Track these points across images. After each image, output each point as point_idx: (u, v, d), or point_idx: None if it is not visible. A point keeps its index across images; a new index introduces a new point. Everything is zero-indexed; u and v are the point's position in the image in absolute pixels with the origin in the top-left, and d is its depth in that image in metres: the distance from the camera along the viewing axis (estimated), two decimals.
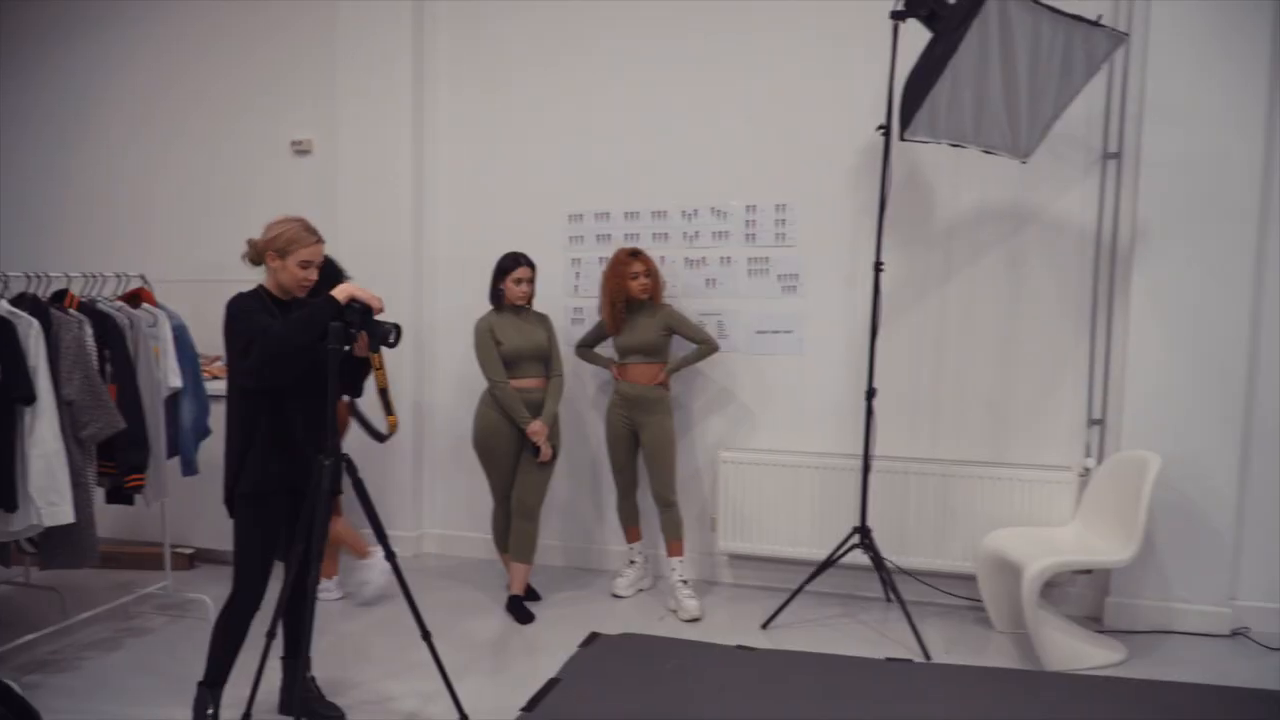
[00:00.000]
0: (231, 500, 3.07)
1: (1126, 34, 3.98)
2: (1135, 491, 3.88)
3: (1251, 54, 4.00)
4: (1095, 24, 3.74)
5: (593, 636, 4.09)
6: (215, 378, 4.70)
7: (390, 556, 3.12)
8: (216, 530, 4.38)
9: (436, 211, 5.27)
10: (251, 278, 3.17)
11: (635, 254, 4.44)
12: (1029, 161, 4.00)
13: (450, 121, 5.23)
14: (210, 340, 4.04)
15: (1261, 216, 4.08)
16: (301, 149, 5.41)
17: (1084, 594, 4.40)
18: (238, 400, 3.04)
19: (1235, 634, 4.16)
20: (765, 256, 4.69)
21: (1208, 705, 3.51)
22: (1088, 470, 4.32)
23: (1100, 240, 4.31)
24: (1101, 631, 4.18)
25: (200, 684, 3.18)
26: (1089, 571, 4.30)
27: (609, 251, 4.63)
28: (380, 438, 3.79)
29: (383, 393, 3.59)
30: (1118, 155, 4.26)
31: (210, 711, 3.14)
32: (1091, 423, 4.36)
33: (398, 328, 3.02)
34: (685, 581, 4.44)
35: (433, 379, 5.32)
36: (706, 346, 4.46)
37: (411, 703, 3.50)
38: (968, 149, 3.92)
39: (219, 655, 3.14)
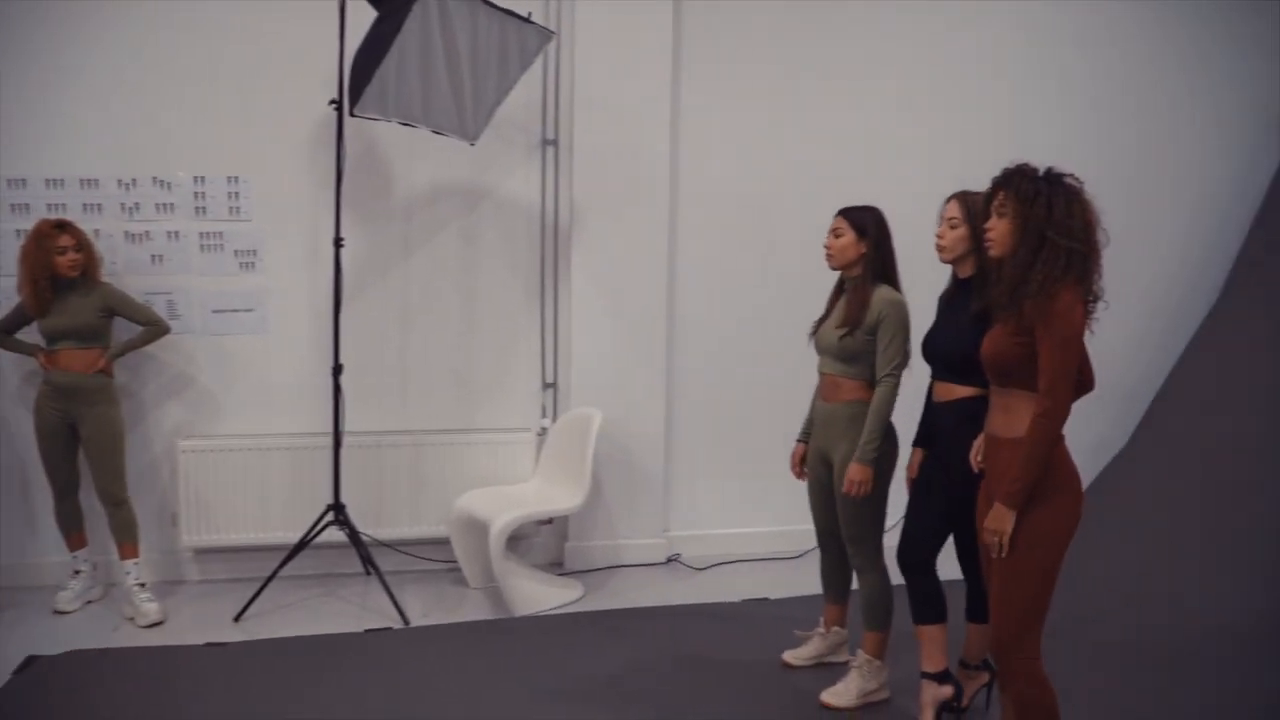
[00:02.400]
0: None
1: (554, 31, 4.38)
2: (583, 445, 4.33)
3: (658, 56, 4.64)
4: (526, 20, 4.08)
5: (29, 661, 3.58)
6: None
7: None
8: None
9: None
10: None
11: (62, 226, 3.93)
12: (477, 144, 4.24)
13: None
14: None
15: (671, 199, 4.77)
16: None
17: (547, 542, 4.82)
18: None
19: (670, 561, 4.85)
20: (219, 231, 4.42)
21: (644, 622, 4.05)
22: (544, 429, 4.72)
23: (544, 219, 4.71)
24: (562, 574, 4.62)
25: None
26: (550, 521, 4.71)
27: (28, 224, 4.05)
28: None
29: None
30: (554, 142, 4.69)
31: None
32: (545, 386, 4.78)
33: None
34: (143, 585, 4.07)
35: None
36: (155, 328, 4.10)
37: None
38: (419, 129, 4.05)
39: None
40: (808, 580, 4.45)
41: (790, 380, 4.83)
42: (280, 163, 4.45)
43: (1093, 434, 4.38)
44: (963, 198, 3.02)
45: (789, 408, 4.80)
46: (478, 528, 4.30)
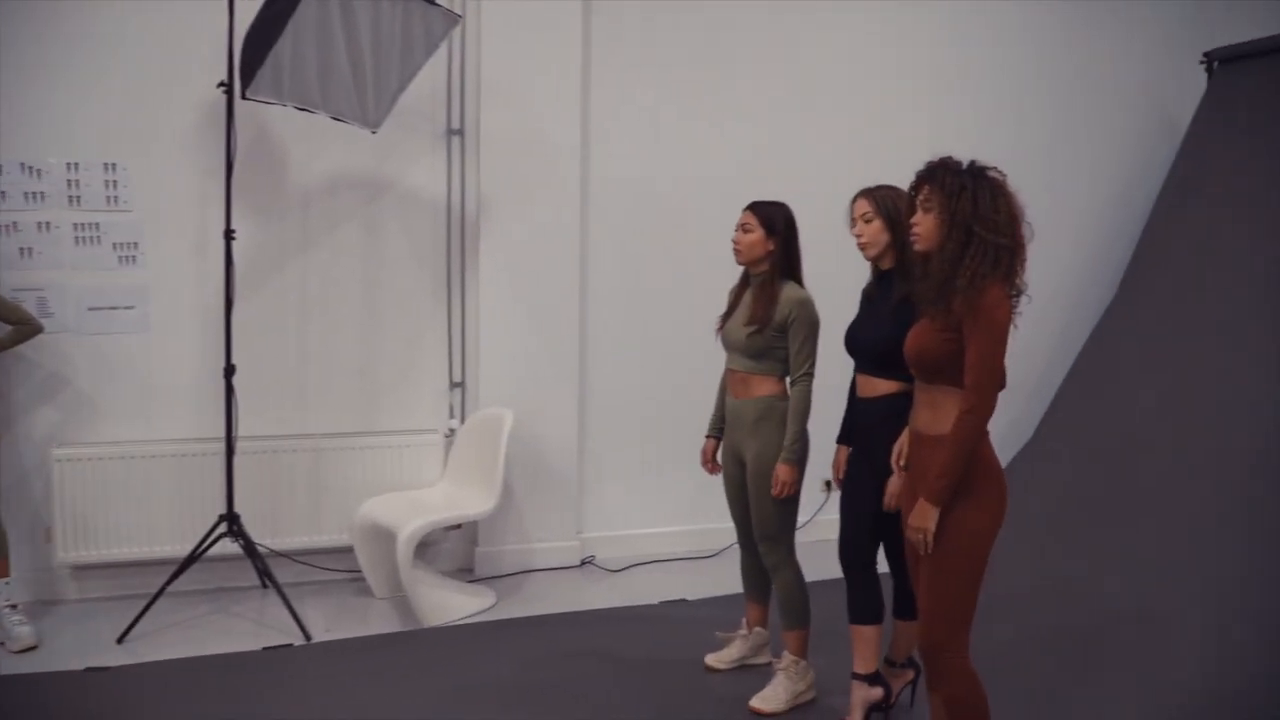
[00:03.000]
0: None
1: (460, 16, 4.18)
2: (494, 446, 4.17)
3: (567, 45, 4.50)
4: (431, 3, 3.89)
5: None
6: None
7: None
8: None
9: None
10: None
11: None
12: (379, 132, 4.03)
13: None
14: None
15: (583, 192, 4.64)
16: None
17: (456, 548, 4.64)
18: None
19: (584, 563, 4.72)
20: (95, 222, 4.10)
21: (560, 628, 3.92)
22: (452, 431, 4.54)
23: (451, 211, 4.53)
24: (473, 580, 4.45)
25: None
26: (459, 526, 4.53)
27: None
28: None
29: None
30: (460, 132, 4.51)
31: None
32: (453, 385, 4.59)
33: None
34: (14, 606, 3.74)
35: None
36: (25, 327, 3.77)
37: None
38: (317, 114, 3.83)
39: None
40: (725, 580, 4.39)
41: (704, 376, 4.73)
42: (164, 148, 4.14)
43: (999, 426, 4.43)
44: (870, 194, 3.02)
45: (704, 404, 4.71)
46: (383, 535, 4.10)
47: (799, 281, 3.28)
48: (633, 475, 4.87)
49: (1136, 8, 5.49)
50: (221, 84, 3.77)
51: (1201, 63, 5.31)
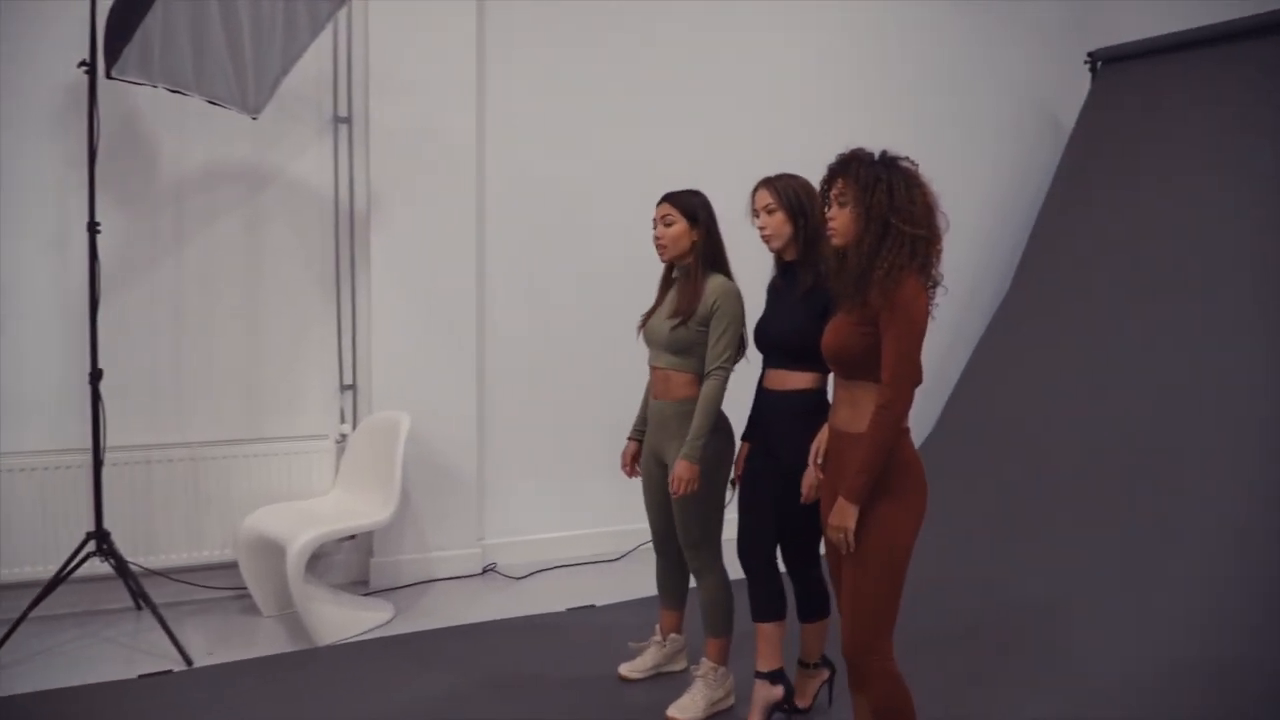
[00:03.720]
0: None
1: None
2: (389, 452, 3.95)
3: (461, 30, 4.31)
4: None
5: None
6: None
7: None
8: None
9: None
10: None
11: None
12: (260, 118, 3.75)
13: None
14: None
15: (479, 184, 4.45)
16: None
17: (349, 560, 4.39)
18: None
19: (486, 571, 4.54)
20: None
21: (465, 641, 3.74)
22: (344, 436, 4.29)
23: (339, 205, 4.28)
24: (369, 594, 4.22)
25: None
26: (353, 537, 4.29)
27: None
28: None
29: None
30: (348, 120, 4.26)
31: None
32: (344, 388, 4.34)
33: None
34: None
35: None
36: None
37: None
38: (191, 97, 3.55)
39: None
40: (633, 583, 4.29)
41: (606, 375, 4.67)
42: (17, 134, 3.77)
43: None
44: (771, 184, 2.95)
45: (606, 403, 4.63)
46: (271, 549, 3.84)
47: (726, 273, 3.17)
48: (536, 478, 4.71)
49: (1023, 8, 5.61)
50: (83, 63, 3.45)
51: (1086, 63, 5.46)
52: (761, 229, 2.95)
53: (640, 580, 4.32)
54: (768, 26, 5.00)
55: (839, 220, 2.49)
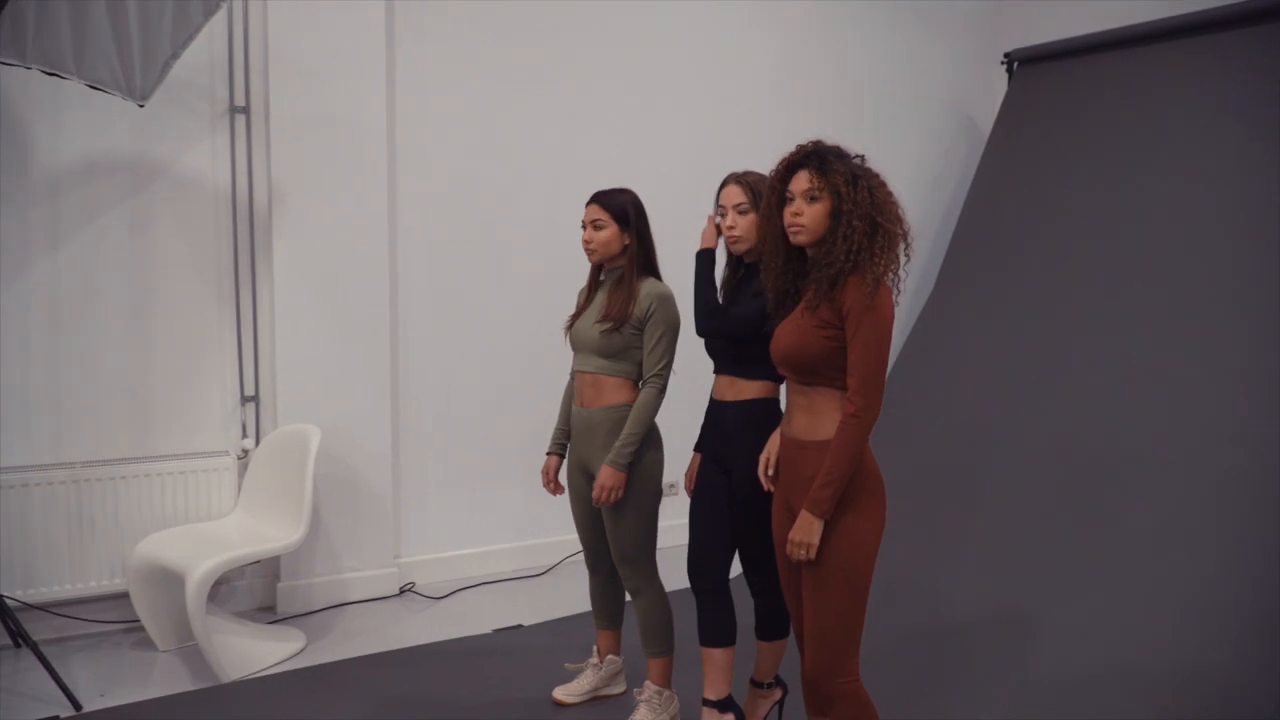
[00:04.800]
0: None
1: None
2: (299, 468, 3.66)
3: (370, 14, 4.03)
4: None
5: None
6: None
7: None
8: None
9: None
10: None
11: None
12: (147, 106, 3.41)
13: None
14: None
15: (391, 180, 4.18)
16: None
17: (254, 585, 4.07)
18: None
19: (404, 591, 4.26)
20: None
21: (385, 669, 3.48)
22: (246, 452, 3.97)
23: (236, 201, 3.95)
24: (276, 621, 3.91)
25: None
26: (258, 560, 3.97)
27: None
28: None
29: None
30: (245, 110, 3.94)
31: None
32: (245, 400, 4.02)
33: None
34: None
35: None
36: None
37: None
38: (70, 81, 3.19)
39: None
40: (562, 600, 4.10)
41: (527, 380, 4.48)
42: None
43: None
44: (743, 181, 2.76)
45: (527, 409, 4.44)
46: (167, 578, 3.51)
47: (658, 275, 3.01)
48: (454, 490, 4.46)
49: (939, 7, 5.60)
50: None
51: (1003, 63, 5.48)
52: (730, 229, 2.76)
53: (569, 596, 4.13)
54: (687, 27, 4.85)
55: (808, 217, 2.34)
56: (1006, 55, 5.43)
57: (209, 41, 3.73)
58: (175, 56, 3.35)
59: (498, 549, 4.54)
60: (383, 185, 4.12)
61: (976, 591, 3.73)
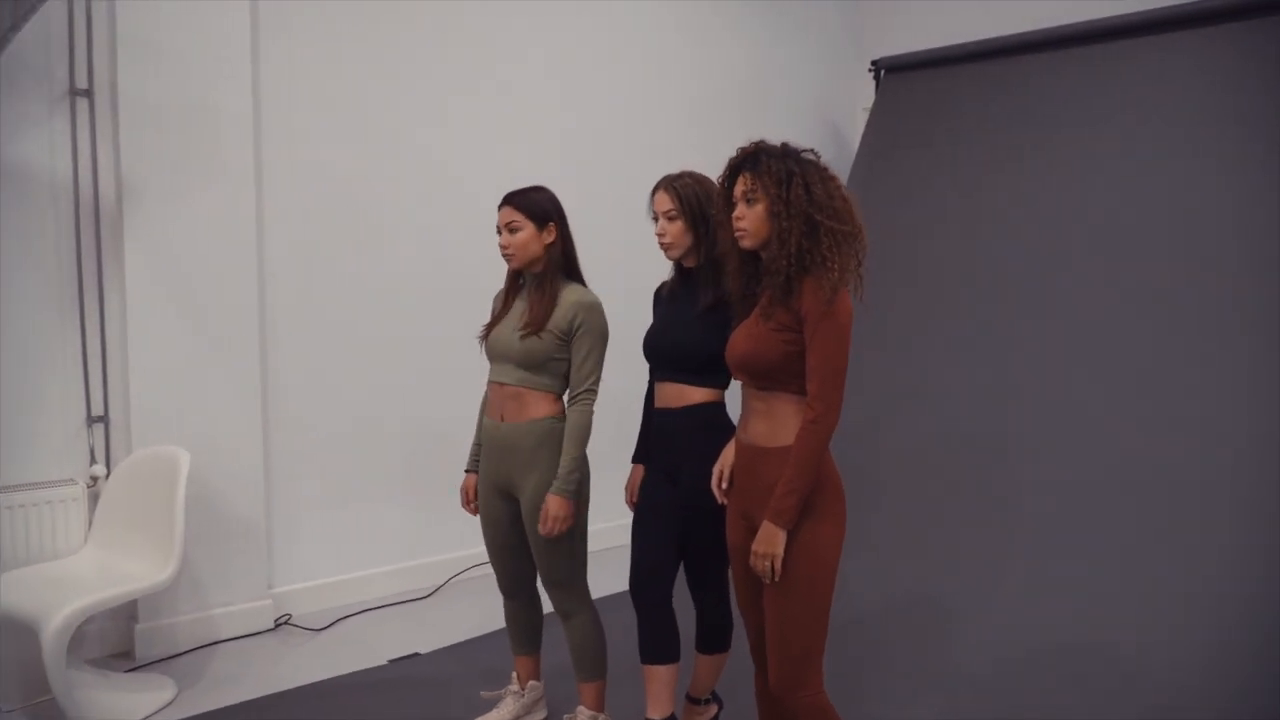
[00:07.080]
0: None
1: None
2: (165, 496, 3.26)
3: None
4: None
5: None
6: None
7: None
8: None
9: None
10: None
11: None
12: None
13: None
14: None
15: (258, 173, 3.81)
16: None
17: (105, 629, 3.60)
18: None
19: (279, 624, 3.89)
20: None
21: (269, 714, 3.14)
22: (96, 480, 3.51)
23: (80, 197, 3.49)
24: (137, 668, 3.48)
25: None
26: (121, 603, 3.51)
27: None
28: None
29: None
30: (89, 93, 3.49)
31: None
32: (93, 420, 3.55)
33: None
34: None
35: None
36: None
37: None
38: None
39: None
40: (457, 623, 3.87)
41: (405, 392, 4.21)
42: None
43: None
44: (672, 187, 2.67)
45: (405, 422, 4.18)
46: (12, 627, 3.04)
47: (581, 280, 2.84)
48: (332, 511, 4.11)
49: (807, 12, 5.67)
50: None
51: (870, 70, 5.58)
52: (660, 236, 2.67)
53: (464, 618, 3.89)
54: (554, 26, 4.66)
55: (749, 220, 2.26)
56: (873, 63, 5.53)
57: (45, 13, 3.28)
58: (16, 29, 2.93)
59: (380, 571, 4.23)
60: (249, 179, 3.75)
61: (975, 596, 3.72)
